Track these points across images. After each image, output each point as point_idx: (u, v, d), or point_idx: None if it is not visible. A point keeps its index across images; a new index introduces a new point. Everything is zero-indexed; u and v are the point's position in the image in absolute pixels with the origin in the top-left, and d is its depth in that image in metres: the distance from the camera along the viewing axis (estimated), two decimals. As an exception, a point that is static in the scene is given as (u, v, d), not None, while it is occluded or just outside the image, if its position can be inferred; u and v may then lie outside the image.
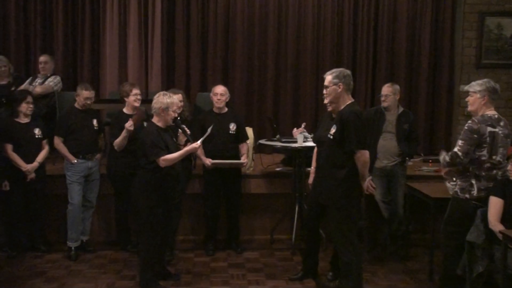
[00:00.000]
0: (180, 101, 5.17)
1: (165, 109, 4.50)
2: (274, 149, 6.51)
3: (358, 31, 7.70)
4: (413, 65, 7.76)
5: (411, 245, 5.62)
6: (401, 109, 5.50)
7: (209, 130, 4.81)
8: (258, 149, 6.41)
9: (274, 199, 6.15)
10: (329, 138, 4.22)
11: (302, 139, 5.63)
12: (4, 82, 6.62)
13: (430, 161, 6.74)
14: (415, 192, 5.21)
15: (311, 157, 4.81)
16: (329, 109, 4.36)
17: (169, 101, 4.51)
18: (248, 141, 5.80)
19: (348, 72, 4.31)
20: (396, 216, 5.42)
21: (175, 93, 4.91)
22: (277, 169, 6.27)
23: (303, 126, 5.89)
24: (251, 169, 6.15)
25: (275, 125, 6.26)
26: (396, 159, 5.38)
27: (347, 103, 4.24)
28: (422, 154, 7.22)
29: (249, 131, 6.05)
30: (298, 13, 7.64)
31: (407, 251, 5.55)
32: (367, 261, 5.30)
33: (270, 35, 7.63)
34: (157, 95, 4.60)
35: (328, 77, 4.27)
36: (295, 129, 5.91)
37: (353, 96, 4.36)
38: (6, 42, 7.50)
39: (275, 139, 5.92)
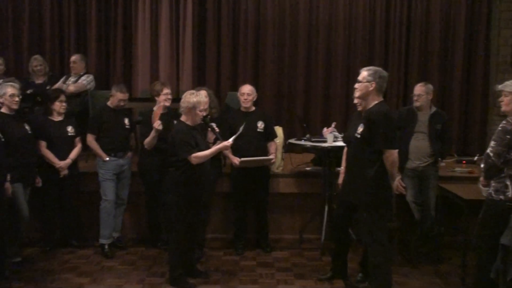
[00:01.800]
0: (205, 97, 5.16)
1: (193, 108, 4.53)
2: (303, 149, 6.46)
3: (390, 29, 7.59)
4: (446, 64, 7.62)
5: (443, 247, 5.53)
6: (433, 109, 5.41)
7: (240, 128, 4.81)
8: (288, 148, 6.39)
9: (303, 199, 6.12)
10: (357, 137, 4.18)
11: (332, 138, 5.59)
12: (40, 81, 6.78)
13: (464, 161, 6.61)
14: (448, 194, 5.12)
15: (341, 156, 4.76)
16: (359, 108, 4.32)
17: (196, 100, 4.54)
18: (277, 140, 5.79)
19: (385, 73, 4.24)
20: (428, 218, 5.34)
21: (199, 90, 4.93)
22: (307, 168, 6.24)
23: (333, 125, 5.85)
24: (280, 168, 6.14)
25: (305, 124, 6.23)
26: (428, 159, 5.29)
27: (376, 102, 4.19)
28: (456, 155, 7.09)
29: (279, 130, 6.03)
30: (329, 11, 7.59)
31: (439, 253, 5.45)
32: (398, 263, 5.23)
33: (300, 33, 7.60)
34: (184, 94, 4.64)
35: (364, 73, 4.23)
36: (325, 129, 5.88)
37: (384, 95, 4.31)
38: (42, 42, 7.67)
39: (305, 138, 5.89)
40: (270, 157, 5.53)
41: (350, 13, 7.59)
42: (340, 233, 4.64)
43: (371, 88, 4.16)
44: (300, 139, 5.96)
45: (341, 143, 5.20)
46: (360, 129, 4.15)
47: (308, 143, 5.77)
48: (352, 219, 4.52)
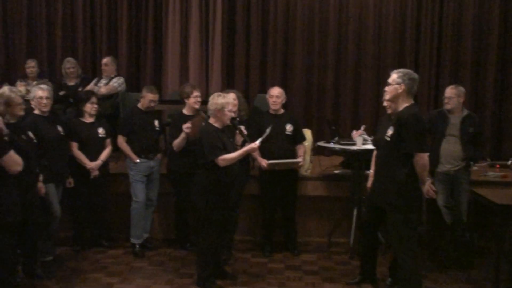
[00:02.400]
0: (234, 99, 5.18)
1: (221, 109, 4.53)
2: (332, 151, 6.44)
3: (421, 30, 7.49)
4: (479, 66, 7.47)
5: (475, 253, 5.41)
6: (465, 112, 5.31)
7: (267, 130, 4.80)
8: (316, 151, 6.36)
9: (332, 202, 6.08)
10: (387, 140, 4.13)
11: (361, 141, 5.54)
12: (72, 83, 6.91)
13: (498, 165, 6.46)
14: (480, 198, 5.01)
15: (370, 159, 4.72)
16: (389, 111, 4.28)
17: (224, 101, 4.55)
18: (306, 143, 5.77)
19: (415, 76, 4.19)
20: (459, 223, 5.24)
21: (228, 93, 4.94)
22: (336, 171, 6.20)
23: (362, 128, 5.80)
24: (309, 171, 6.11)
25: (334, 127, 6.19)
26: (459, 163, 5.20)
27: (406, 105, 4.13)
28: (489, 159, 6.94)
29: (308, 133, 6.01)
30: (359, 13, 7.54)
31: (471, 259, 5.34)
32: (428, 268, 5.15)
33: (330, 36, 7.56)
34: (211, 96, 4.64)
35: (394, 75, 4.18)
36: (354, 131, 5.83)
37: (415, 98, 4.25)
38: (75, 45, 7.82)
39: (333, 141, 5.85)
40: (298, 159, 5.51)
41: (380, 15, 7.53)
42: (369, 237, 4.60)
43: (400, 90, 4.11)
44: (329, 142, 5.92)
45: (370, 146, 5.15)
46: (390, 132, 4.10)
47: (337, 146, 5.72)
48: (381, 223, 4.47)
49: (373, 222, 4.50)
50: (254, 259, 5.55)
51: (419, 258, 4.26)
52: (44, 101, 5.07)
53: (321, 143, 6.02)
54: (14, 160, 3.56)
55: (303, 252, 5.73)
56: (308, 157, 5.98)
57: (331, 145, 5.81)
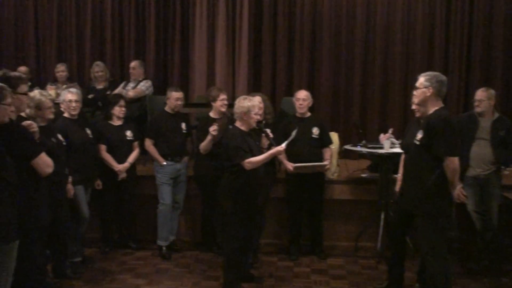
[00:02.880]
0: (259, 103, 5.17)
1: (247, 112, 4.53)
2: (359, 155, 6.38)
3: (451, 32, 7.37)
4: (510, 68, 7.32)
5: (506, 259, 5.30)
6: (496, 115, 5.20)
7: (293, 133, 4.79)
8: (343, 154, 6.32)
9: (359, 206, 6.03)
10: (416, 144, 4.07)
11: (389, 145, 5.48)
12: (100, 86, 7.00)
13: (529, 170, 6.32)
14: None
15: (398, 163, 4.67)
16: (417, 114, 4.22)
17: (250, 104, 4.55)
18: (332, 146, 5.74)
19: (443, 78, 4.13)
20: (490, 228, 5.13)
21: (254, 96, 4.94)
22: (363, 175, 6.15)
23: (390, 131, 5.74)
24: (336, 174, 6.07)
25: (361, 130, 6.15)
26: (490, 167, 5.09)
27: (436, 108, 4.07)
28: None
29: (334, 136, 5.98)
30: (387, 15, 7.47)
31: (502, 266, 5.23)
32: (458, 275, 5.05)
33: (357, 38, 7.51)
34: (238, 99, 4.65)
35: (421, 79, 4.13)
36: (382, 135, 5.77)
37: (444, 101, 4.18)
38: (103, 48, 7.93)
39: (361, 144, 5.80)
40: (325, 163, 5.48)
41: (409, 16, 7.44)
42: (397, 242, 4.54)
43: (428, 94, 4.05)
44: (356, 145, 5.87)
45: (398, 150, 5.09)
46: (419, 135, 4.04)
47: (364, 149, 5.68)
48: (409, 227, 4.41)
49: (401, 226, 4.43)
50: (280, 262, 5.53)
51: (449, 264, 4.18)
52: (74, 104, 5.14)
53: (348, 147, 5.99)
54: (46, 162, 3.62)
55: (330, 256, 5.69)
56: (335, 161, 5.95)
57: (358, 148, 5.76)
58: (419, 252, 4.38)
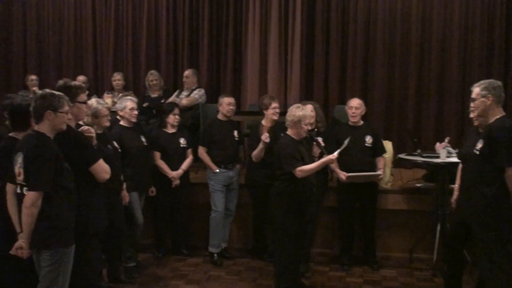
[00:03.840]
0: (311, 111, 5.14)
1: (298, 122, 4.52)
2: (414, 164, 6.22)
3: (510, 38, 7.11)
4: None
5: None
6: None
7: (346, 142, 4.73)
8: (398, 163, 6.18)
9: (413, 216, 5.88)
10: (475, 154, 3.93)
11: (445, 154, 5.33)
12: (155, 95, 7.15)
13: None
14: None
15: (455, 173, 4.52)
16: (476, 123, 4.08)
17: (302, 113, 4.53)
18: (386, 155, 5.64)
19: (499, 83, 3.99)
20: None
21: (305, 104, 4.91)
22: (418, 185, 6.00)
23: (446, 140, 5.58)
24: (389, 184, 5.96)
25: (415, 139, 6.01)
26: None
27: (497, 116, 3.92)
28: None
29: (388, 144, 5.87)
30: (443, 20, 7.27)
31: None
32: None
33: (412, 44, 7.35)
34: (290, 108, 4.64)
35: (476, 89, 4.00)
36: (438, 144, 5.62)
37: (505, 109, 4.03)
38: (158, 58, 8.09)
39: (416, 153, 5.67)
40: (378, 172, 5.39)
41: (466, 21, 7.21)
42: (454, 255, 4.38)
43: (488, 103, 3.92)
44: (411, 154, 5.74)
45: (455, 159, 4.94)
46: (479, 145, 3.90)
47: (419, 159, 5.54)
48: (467, 239, 4.26)
49: (459, 238, 4.28)
50: (332, 272, 5.46)
51: (510, 280, 4.00)
52: (135, 112, 5.27)
53: (403, 156, 5.85)
54: (103, 168, 3.72)
55: (383, 267, 5.57)
56: (388, 170, 5.84)
57: (413, 157, 5.63)
58: (478, 266, 4.22)
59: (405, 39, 7.39)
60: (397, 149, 6.42)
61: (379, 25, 7.42)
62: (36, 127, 3.41)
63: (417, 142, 5.89)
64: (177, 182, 5.62)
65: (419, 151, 5.65)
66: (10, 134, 3.86)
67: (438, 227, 5.34)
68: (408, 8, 7.37)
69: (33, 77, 7.78)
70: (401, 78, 7.43)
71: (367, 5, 7.47)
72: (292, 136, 4.59)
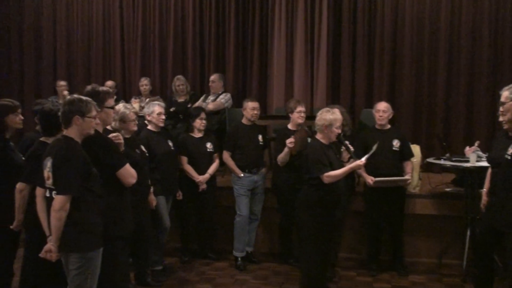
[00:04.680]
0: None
1: (328, 126, 4.48)
2: (443, 168, 6.15)
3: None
4: None
5: None
6: None
7: (374, 147, 4.67)
8: (426, 167, 6.10)
9: (442, 221, 5.79)
10: (507, 158, 3.85)
11: (475, 158, 5.24)
12: (182, 100, 7.20)
13: None
14: None
15: (484, 177, 4.44)
16: (505, 126, 4.00)
17: (332, 117, 4.49)
18: (414, 159, 5.56)
19: None
20: None
21: (332, 108, 4.87)
22: (447, 189, 5.91)
23: (476, 144, 5.49)
24: (417, 188, 5.87)
25: (444, 143, 5.92)
26: None
27: (528, 120, 3.85)
28: None
29: (416, 148, 5.79)
30: (472, 22, 7.16)
31: None
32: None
33: (440, 47, 7.25)
34: (320, 111, 4.60)
35: (505, 93, 3.93)
36: (467, 148, 5.53)
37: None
38: (185, 63, 8.17)
39: (444, 157, 5.59)
40: (406, 177, 5.32)
41: (496, 22, 7.09)
42: (485, 261, 4.30)
43: (519, 105, 3.84)
44: (440, 158, 5.66)
45: (485, 164, 4.85)
46: (511, 150, 3.82)
47: (448, 163, 5.46)
48: (498, 245, 4.17)
49: (489, 244, 4.20)
50: (359, 277, 5.41)
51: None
52: (163, 116, 5.32)
53: (431, 160, 5.78)
54: (130, 173, 3.76)
55: (412, 272, 5.49)
56: (416, 174, 5.76)
57: (442, 161, 5.55)
58: (510, 273, 4.13)
59: (434, 40, 7.29)
60: (425, 153, 6.34)
61: (407, 27, 7.34)
62: (64, 132, 3.46)
63: (446, 146, 5.81)
64: (203, 186, 5.64)
65: (448, 155, 5.57)
66: (41, 139, 3.96)
67: (468, 233, 5.25)
68: (437, 10, 7.27)
69: (63, 82, 7.92)
70: (430, 80, 7.32)
71: (394, 6, 7.41)
72: (321, 140, 4.55)
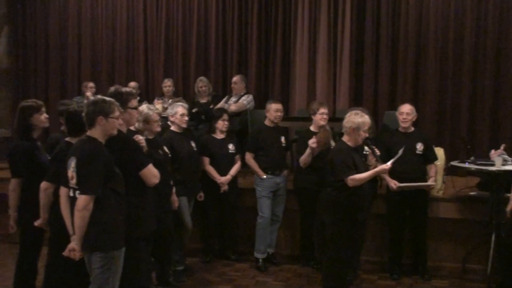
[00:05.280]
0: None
1: (356, 128, 4.44)
2: (467, 172, 6.05)
3: None
4: None
5: None
6: None
7: (400, 152, 4.61)
8: (450, 171, 6.02)
9: (467, 226, 5.70)
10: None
11: (500, 161, 5.15)
12: (204, 101, 7.23)
13: None
14: None
15: (511, 181, 4.36)
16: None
17: (361, 120, 4.45)
18: (438, 162, 5.49)
19: None
20: None
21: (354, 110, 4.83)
22: (471, 193, 5.82)
23: (502, 147, 5.40)
24: (441, 192, 5.80)
25: (469, 146, 5.84)
26: None
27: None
28: None
29: (440, 151, 5.72)
30: (498, 24, 7.04)
31: None
32: None
33: (466, 48, 7.14)
34: (348, 114, 4.56)
35: None
36: (493, 151, 5.44)
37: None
38: (207, 64, 8.21)
39: (469, 161, 5.50)
40: (430, 182, 5.25)
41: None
42: (509, 266, 4.23)
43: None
44: (464, 162, 5.57)
45: (511, 167, 4.77)
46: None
47: (473, 166, 5.37)
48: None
49: (514, 249, 4.14)
50: (381, 281, 5.36)
51: None
52: (186, 117, 5.35)
53: (455, 163, 5.69)
54: (153, 173, 3.79)
55: (434, 277, 5.42)
56: (440, 177, 5.69)
57: (466, 165, 5.46)
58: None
59: (458, 42, 7.19)
60: (449, 156, 6.25)
61: (431, 29, 7.26)
62: (88, 132, 3.50)
63: (471, 149, 5.72)
64: (225, 187, 5.65)
65: (472, 158, 5.49)
66: (66, 139, 4.02)
67: (493, 237, 5.16)
68: (462, 10, 7.16)
69: (92, 84, 7.97)
70: (454, 82, 7.23)
71: (418, 8, 7.33)
72: (348, 143, 4.52)
